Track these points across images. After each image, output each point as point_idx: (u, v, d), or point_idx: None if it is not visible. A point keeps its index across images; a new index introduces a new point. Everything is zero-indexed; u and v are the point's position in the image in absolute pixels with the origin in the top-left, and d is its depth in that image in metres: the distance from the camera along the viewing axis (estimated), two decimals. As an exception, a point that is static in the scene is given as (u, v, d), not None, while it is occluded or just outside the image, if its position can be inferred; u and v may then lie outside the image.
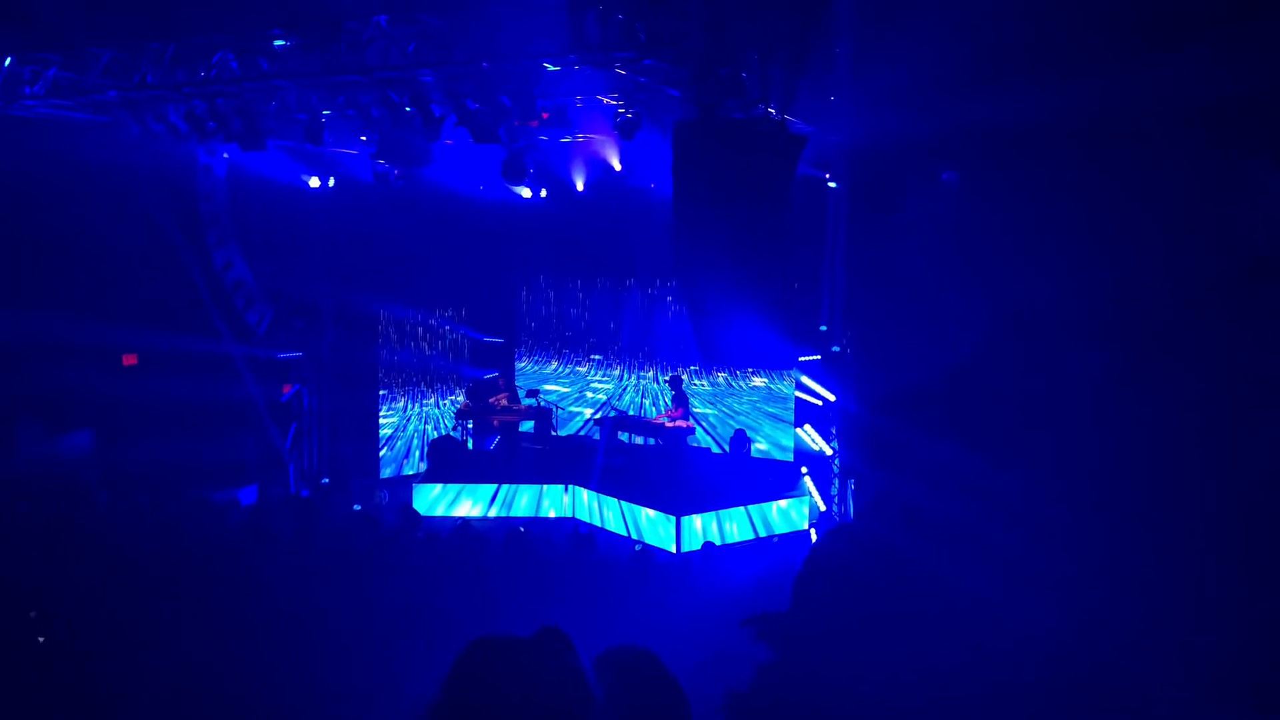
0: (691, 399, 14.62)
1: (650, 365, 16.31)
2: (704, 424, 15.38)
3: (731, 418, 15.38)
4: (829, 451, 12.64)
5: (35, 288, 10.99)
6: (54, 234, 11.13)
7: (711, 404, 15.67)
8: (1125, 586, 6.59)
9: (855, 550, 2.63)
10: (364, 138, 12.63)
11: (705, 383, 15.74)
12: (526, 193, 14.32)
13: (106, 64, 10.02)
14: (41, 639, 5.84)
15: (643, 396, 16.31)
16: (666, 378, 14.85)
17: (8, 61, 10.30)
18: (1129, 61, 7.78)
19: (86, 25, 9.80)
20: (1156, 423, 7.92)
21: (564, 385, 16.93)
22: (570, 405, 16.64)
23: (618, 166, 13.10)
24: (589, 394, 16.75)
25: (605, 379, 16.76)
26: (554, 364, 17.10)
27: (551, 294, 17.04)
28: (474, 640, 2.06)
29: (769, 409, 15.12)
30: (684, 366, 15.50)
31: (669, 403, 14.62)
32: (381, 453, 15.39)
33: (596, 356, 16.81)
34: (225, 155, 13.02)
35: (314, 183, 14.03)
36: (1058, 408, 8.61)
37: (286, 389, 14.18)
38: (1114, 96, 7.92)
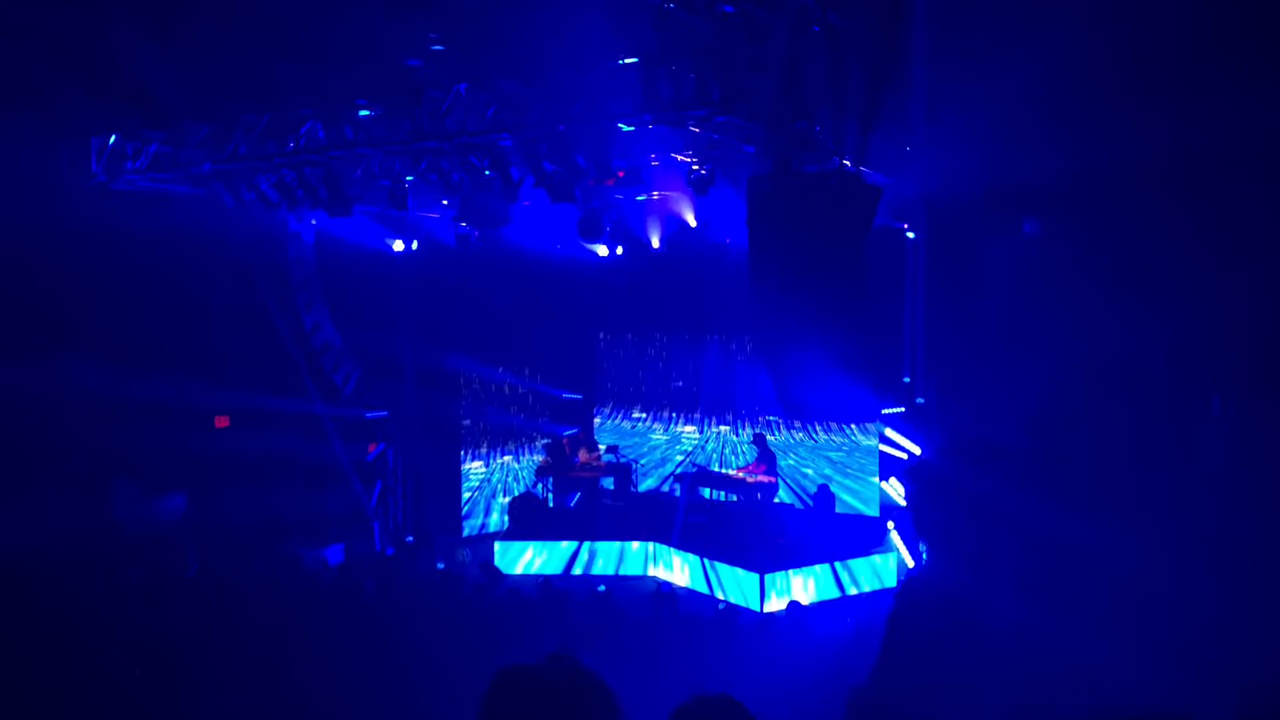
0: (778, 454, 14.47)
1: (730, 420, 16.21)
2: (787, 479, 15.18)
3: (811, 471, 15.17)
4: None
5: (134, 352, 11.43)
6: (153, 300, 11.60)
7: (794, 455, 15.49)
8: (1233, 648, 6.26)
9: (933, 610, 2.56)
10: (445, 201, 12.97)
11: (798, 434, 15.55)
12: (603, 251, 14.49)
13: (203, 138, 10.50)
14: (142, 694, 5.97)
15: (723, 451, 16.18)
16: (750, 435, 14.72)
17: (112, 139, 10.87)
18: (1214, 96, 7.59)
19: (184, 101, 10.30)
20: (1258, 475, 7.58)
21: (640, 440, 16.90)
22: (648, 460, 16.59)
23: (693, 222, 13.18)
24: (663, 448, 16.69)
25: (685, 435, 16.70)
26: (634, 419, 17.11)
27: (630, 350, 17.11)
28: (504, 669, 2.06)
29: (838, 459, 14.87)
30: (764, 422, 15.37)
31: (749, 459, 14.50)
32: (464, 510, 15.52)
33: (676, 415, 16.77)
34: (313, 222, 13.47)
35: (398, 246, 14.41)
36: (1149, 458, 8.31)
37: (372, 448, 14.44)
38: (1197, 135, 7.72)
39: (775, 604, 11.56)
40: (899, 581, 12.46)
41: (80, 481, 11.15)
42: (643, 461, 16.41)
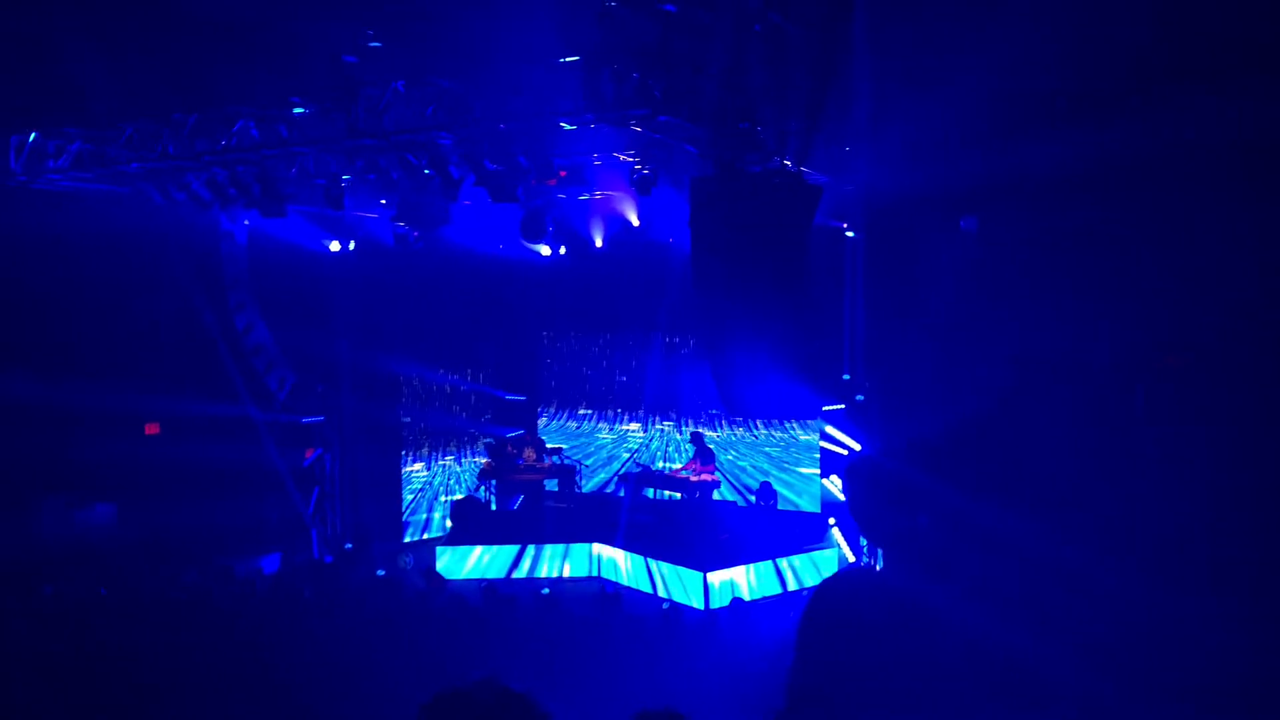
0: (717, 451, 14.51)
1: (674, 418, 16.22)
2: (729, 476, 15.23)
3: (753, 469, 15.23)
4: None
5: (57, 358, 11.05)
6: (77, 304, 11.22)
7: (733, 451, 15.54)
8: (1153, 635, 6.40)
9: (861, 594, 2.48)
10: (383, 201, 12.76)
11: (739, 431, 15.59)
12: (546, 250, 14.39)
13: (129, 136, 10.17)
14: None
15: (667, 450, 16.18)
16: (688, 433, 14.74)
17: (32, 137, 10.48)
18: (1150, 106, 7.75)
19: (109, 99, 9.96)
20: (1184, 471, 7.76)
21: (585, 440, 16.82)
22: (594, 460, 16.53)
23: (636, 222, 13.14)
24: (609, 447, 16.64)
25: (629, 434, 16.66)
26: (579, 419, 17.03)
27: (573, 350, 17.03)
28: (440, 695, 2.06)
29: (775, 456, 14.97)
30: (707, 418, 15.40)
31: (689, 457, 14.52)
32: (405, 515, 15.30)
33: (619, 413, 16.73)
34: (246, 222, 13.15)
35: (334, 246, 14.14)
36: (1082, 455, 8.46)
37: (309, 453, 14.15)
38: (1135, 142, 7.88)
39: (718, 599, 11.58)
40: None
41: (3, 497, 10.73)
42: (588, 461, 16.34)
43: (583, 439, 16.83)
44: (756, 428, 15.45)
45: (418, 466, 15.65)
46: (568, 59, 8.25)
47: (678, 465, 14.59)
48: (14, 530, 10.83)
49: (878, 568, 11.52)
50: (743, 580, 12.05)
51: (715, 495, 14.17)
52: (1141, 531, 7.64)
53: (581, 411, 16.99)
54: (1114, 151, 7.87)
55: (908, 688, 2.26)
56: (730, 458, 15.45)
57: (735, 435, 15.63)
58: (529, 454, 14.96)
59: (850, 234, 11.68)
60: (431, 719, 2.03)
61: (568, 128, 9.02)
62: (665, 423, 16.32)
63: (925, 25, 8.75)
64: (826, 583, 2.51)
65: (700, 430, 14.58)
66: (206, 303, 12.87)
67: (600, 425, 16.86)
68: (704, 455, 13.95)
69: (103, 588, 9.40)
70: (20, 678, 6.21)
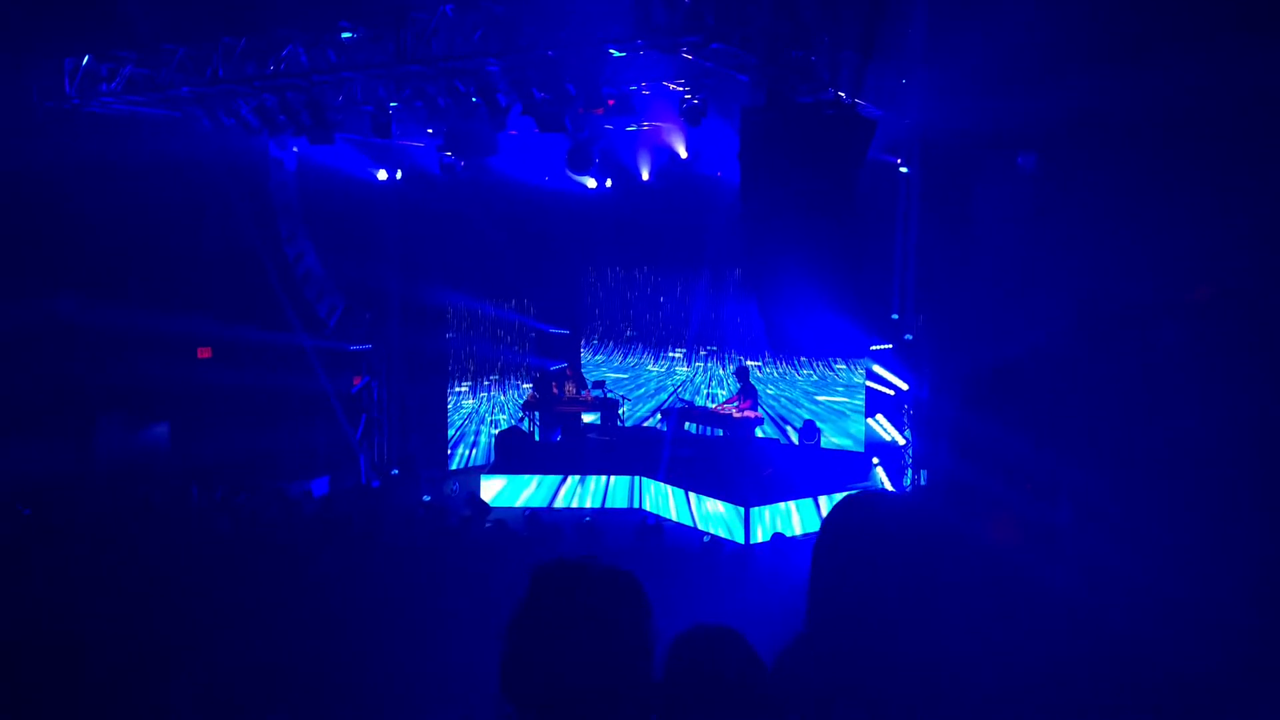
0: (759, 388, 14.45)
1: (718, 354, 16.15)
2: (771, 413, 15.18)
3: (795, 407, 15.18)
4: (901, 441, 12.37)
5: (110, 281, 11.22)
6: (129, 228, 11.35)
7: (773, 387, 15.47)
8: (1202, 582, 6.30)
9: (881, 512, 2.40)
10: (430, 130, 12.69)
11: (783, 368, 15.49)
12: (591, 183, 14.27)
13: (180, 60, 10.17)
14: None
15: (710, 386, 16.15)
16: (733, 368, 14.67)
17: (85, 59, 10.52)
18: (1217, 48, 7.45)
19: (161, 23, 9.96)
20: (1241, 417, 7.58)
21: (628, 374, 16.85)
22: (634, 395, 16.57)
23: (684, 154, 12.97)
24: (653, 382, 16.66)
25: (671, 370, 16.65)
26: (622, 353, 17.03)
27: (617, 284, 16.96)
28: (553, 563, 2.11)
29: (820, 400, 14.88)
30: (751, 356, 15.31)
31: (733, 392, 14.48)
32: (450, 443, 15.49)
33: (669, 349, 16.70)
34: (295, 149, 13.17)
35: (382, 175, 14.14)
36: (1137, 397, 8.30)
37: (357, 381, 14.34)
38: (1200, 83, 7.60)
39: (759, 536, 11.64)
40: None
41: (60, 414, 11.00)
42: (632, 395, 16.37)
43: (626, 373, 16.84)
44: (801, 365, 15.34)
45: (464, 394, 15.80)
46: (619, -18, 8.08)
47: (723, 401, 14.55)
48: (72, 445, 11.12)
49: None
50: (783, 517, 12.08)
51: (758, 432, 14.16)
52: (1183, 480, 7.51)
53: (624, 346, 16.98)
54: (1171, 94, 7.59)
55: (928, 608, 2.22)
56: (772, 392, 15.38)
57: (778, 372, 15.53)
58: (570, 388, 15.03)
59: (904, 170, 11.43)
60: (544, 581, 2.06)
61: (617, 54, 8.87)
62: (710, 359, 16.26)
63: None
64: (845, 500, 2.45)
65: (746, 365, 14.48)
66: (256, 230, 12.96)
67: (644, 359, 16.85)
68: (747, 391, 13.90)
69: (154, 495, 9.61)
70: (83, 591, 6.41)
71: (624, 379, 16.70)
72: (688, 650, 2.27)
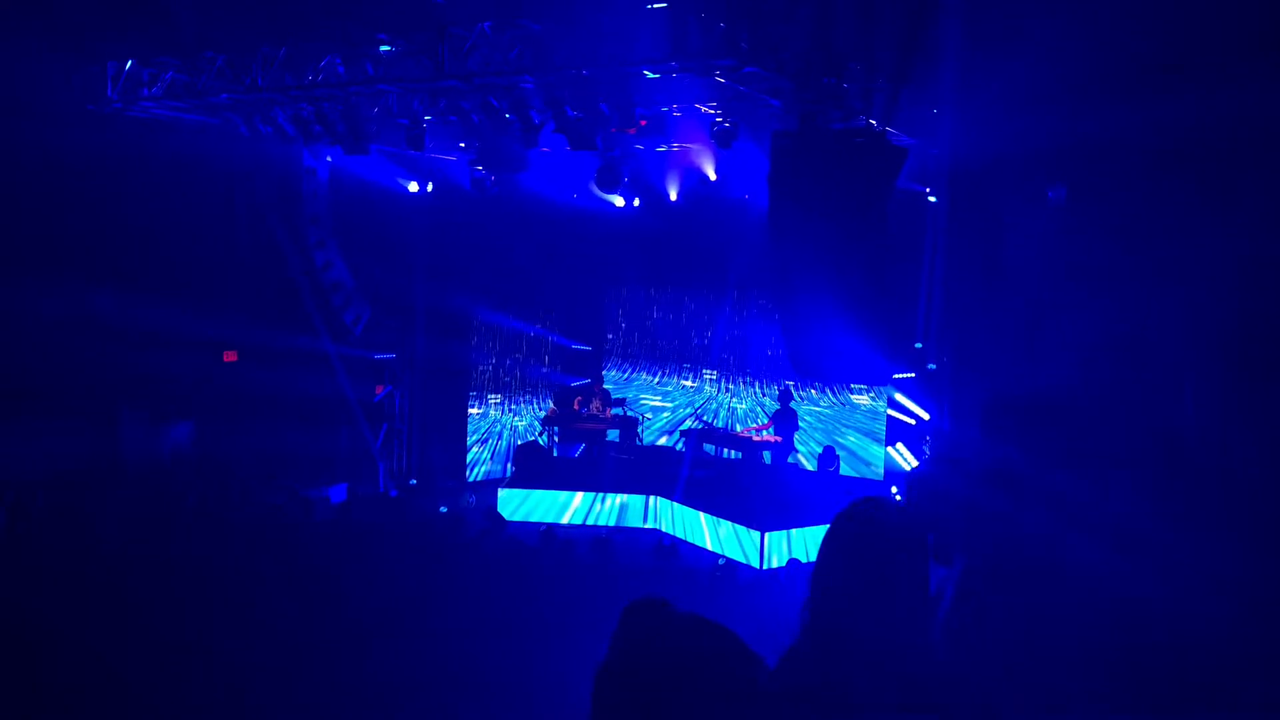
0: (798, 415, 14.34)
1: (741, 377, 16.14)
2: (794, 439, 15.15)
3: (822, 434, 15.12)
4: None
5: (145, 280, 11.37)
6: (163, 229, 11.50)
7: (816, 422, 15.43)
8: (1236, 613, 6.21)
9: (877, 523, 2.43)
10: (462, 144, 12.81)
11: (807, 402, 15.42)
12: (620, 201, 14.34)
13: (220, 67, 10.33)
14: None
15: (732, 408, 16.14)
16: (776, 392, 14.52)
17: (129, 64, 10.71)
18: (1250, 79, 7.41)
19: (203, 30, 10.13)
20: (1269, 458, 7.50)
21: (649, 393, 16.85)
22: (653, 414, 16.57)
23: (713, 176, 13.03)
24: (673, 402, 16.66)
25: (694, 390, 16.65)
26: (644, 372, 17.06)
27: (642, 303, 17.01)
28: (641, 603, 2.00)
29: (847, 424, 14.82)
30: (772, 379, 15.26)
31: (768, 414, 14.42)
32: (469, 455, 15.53)
33: (686, 368, 16.71)
34: (329, 159, 13.33)
35: (413, 187, 14.27)
36: (1166, 435, 8.23)
37: (379, 389, 14.43)
38: (1232, 116, 7.55)
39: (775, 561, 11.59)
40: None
41: (88, 408, 11.13)
42: (651, 415, 16.39)
43: (647, 392, 16.86)
44: (824, 392, 15.30)
45: (484, 409, 15.86)
46: (655, 5, 8.15)
47: (754, 425, 14.50)
48: (96, 441, 11.24)
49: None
50: (801, 542, 12.03)
51: (781, 457, 14.13)
52: (1212, 513, 7.42)
53: (647, 364, 17.00)
54: (1203, 127, 7.55)
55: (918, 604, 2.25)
56: (805, 421, 15.35)
57: (806, 396, 15.49)
58: (595, 404, 15.06)
59: (933, 199, 11.43)
60: (642, 627, 1.94)
61: (651, 76, 8.94)
62: (732, 382, 16.25)
63: None
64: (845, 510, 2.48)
65: (789, 388, 14.39)
66: (287, 237, 13.11)
67: (666, 380, 16.87)
68: (785, 414, 13.81)
69: (190, 500, 9.71)
70: (103, 584, 6.47)
71: (643, 397, 16.71)
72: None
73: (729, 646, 1.91)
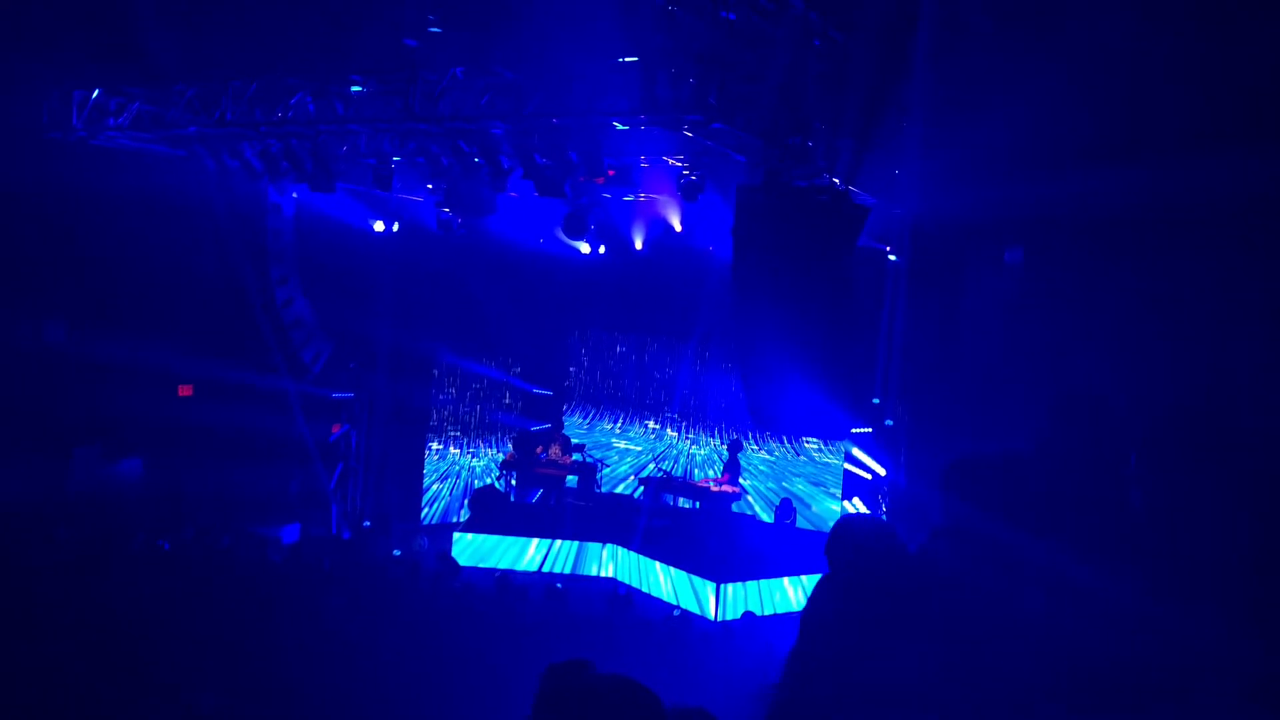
0: (744, 467, 14.45)
1: (701, 427, 16.18)
2: (750, 493, 15.18)
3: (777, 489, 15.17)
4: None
5: (97, 312, 11.22)
6: (121, 261, 11.39)
7: (763, 476, 15.47)
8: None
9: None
10: (430, 185, 12.84)
11: (763, 452, 15.49)
12: (585, 248, 14.42)
13: (189, 100, 10.32)
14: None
15: (691, 457, 16.15)
16: (726, 442, 14.60)
17: (95, 93, 10.65)
18: (1199, 153, 7.67)
19: (172, 61, 10.11)
20: (1216, 522, 7.63)
21: (609, 440, 16.83)
22: (612, 461, 16.53)
23: (678, 227, 13.15)
24: (633, 450, 16.64)
25: (652, 439, 16.65)
26: (604, 418, 17.04)
27: (605, 350, 17.05)
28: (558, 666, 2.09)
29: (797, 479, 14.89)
30: (738, 431, 15.29)
31: (722, 467, 14.45)
32: (424, 498, 15.38)
33: (649, 420, 16.73)
34: (295, 195, 13.28)
35: (379, 227, 14.25)
36: (1116, 496, 8.35)
37: (336, 429, 14.27)
38: (1183, 186, 7.80)
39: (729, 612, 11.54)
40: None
41: (37, 442, 10.90)
42: (611, 462, 16.34)
43: (606, 439, 16.84)
44: (781, 444, 15.37)
45: (442, 451, 15.74)
46: (626, 59, 8.27)
47: (709, 476, 14.53)
48: (45, 475, 11.00)
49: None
50: (756, 594, 12.00)
51: (735, 508, 14.13)
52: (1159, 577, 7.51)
53: (607, 412, 17.00)
54: (1167, 194, 7.79)
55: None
56: (759, 472, 15.40)
57: (763, 450, 15.55)
58: (554, 450, 15.00)
59: (893, 258, 11.61)
60: (559, 692, 2.03)
61: (620, 127, 9.05)
62: (691, 432, 16.28)
63: (984, 55, 8.69)
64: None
65: (740, 439, 14.47)
66: (249, 272, 13.00)
67: (627, 427, 16.86)
68: (733, 466, 13.89)
69: (139, 533, 9.49)
70: (42, 626, 6.31)
71: (602, 444, 16.68)
72: None
73: (645, 708, 1.96)
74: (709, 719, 2.28)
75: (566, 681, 2.04)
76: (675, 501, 14.50)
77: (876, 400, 11.95)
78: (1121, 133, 8.29)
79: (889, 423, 11.96)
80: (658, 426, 16.60)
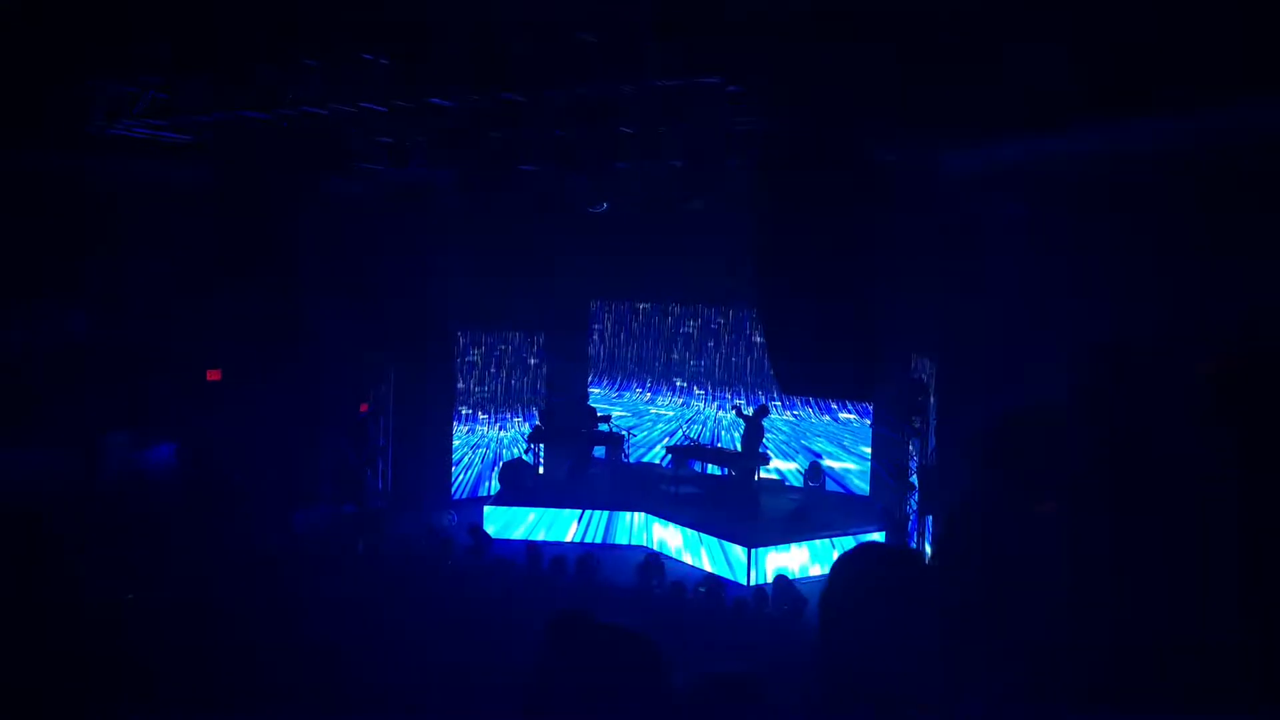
0: (766, 430, 14.42)
1: (727, 394, 16.14)
2: (776, 454, 15.17)
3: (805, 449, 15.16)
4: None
5: (122, 299, 11.31)
6: (148, 248, 11.46)
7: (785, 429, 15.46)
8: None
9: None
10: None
11: (788, 414, 15.48)
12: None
13: (204, 87, 10.29)
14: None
15: (718, 423, 16.14)
16: (746, 408, 14.57)
17: (111, 84, 10.66)
18: (1236, 100, 7.50)
19: (189, 49, 10.09)
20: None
21: (632, 411, 16.84)
22: (643, 430, 16.56)
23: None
24: (660, 418, 16.66)
25: (680, 406, 16.65)
26: (632, 388, 17.05)
27: (630, 318, 17.01)
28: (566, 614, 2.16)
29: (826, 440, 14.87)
30: (765, 398, 15.20)
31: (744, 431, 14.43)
32: (454, 472, 15.46)
33: (679, 382, 16.72)
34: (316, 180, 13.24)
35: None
36: (1146, 453, 8.26)
37: (364, 407, 14.35)
38: (1202, 127, 7.66)
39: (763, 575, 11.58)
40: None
41: (71, 431, 11.04)
42: (637, 432, 16.37)
43: (634, 408, 16.85)
44: (806, 407, 15.34)
45: (472, 424, 15.81)
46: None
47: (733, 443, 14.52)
48: (78, 463, 11.16)
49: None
50: (787, 557, 12.03)
51: (763, 471, 14.13)
52: (1187, 537, 7.46)
53: (633, 380, 17.00)
54: (1181, 139, 7.66)
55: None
56: (782, 438, 15.37)
57: (794, 415, 15.51)
58: (580, 421, 15.04)
59: (918, 215, 11.46)
60: (561, 639, 2.11)
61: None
62: (719, 398, 16.26)
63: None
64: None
65: (765, 404, 14.41)
66: (274, 254, 13.00)
67: (655, 396, 16.86)
68: (756, 430, 13.85)
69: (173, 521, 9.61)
70: (86, 608, 6.41)
71: (630, 413, 16.70)
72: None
73: (644, 655, 2.06)
74: (758, 685, 2.28)
75: (569, 630, 2.11)
76: (704, 468, 14.50)
77: (906, 361, 11.90)
78: (1136, 80, 8.14)
79: (917, 379, 11.90)
80: (685, 396, 16.57)
